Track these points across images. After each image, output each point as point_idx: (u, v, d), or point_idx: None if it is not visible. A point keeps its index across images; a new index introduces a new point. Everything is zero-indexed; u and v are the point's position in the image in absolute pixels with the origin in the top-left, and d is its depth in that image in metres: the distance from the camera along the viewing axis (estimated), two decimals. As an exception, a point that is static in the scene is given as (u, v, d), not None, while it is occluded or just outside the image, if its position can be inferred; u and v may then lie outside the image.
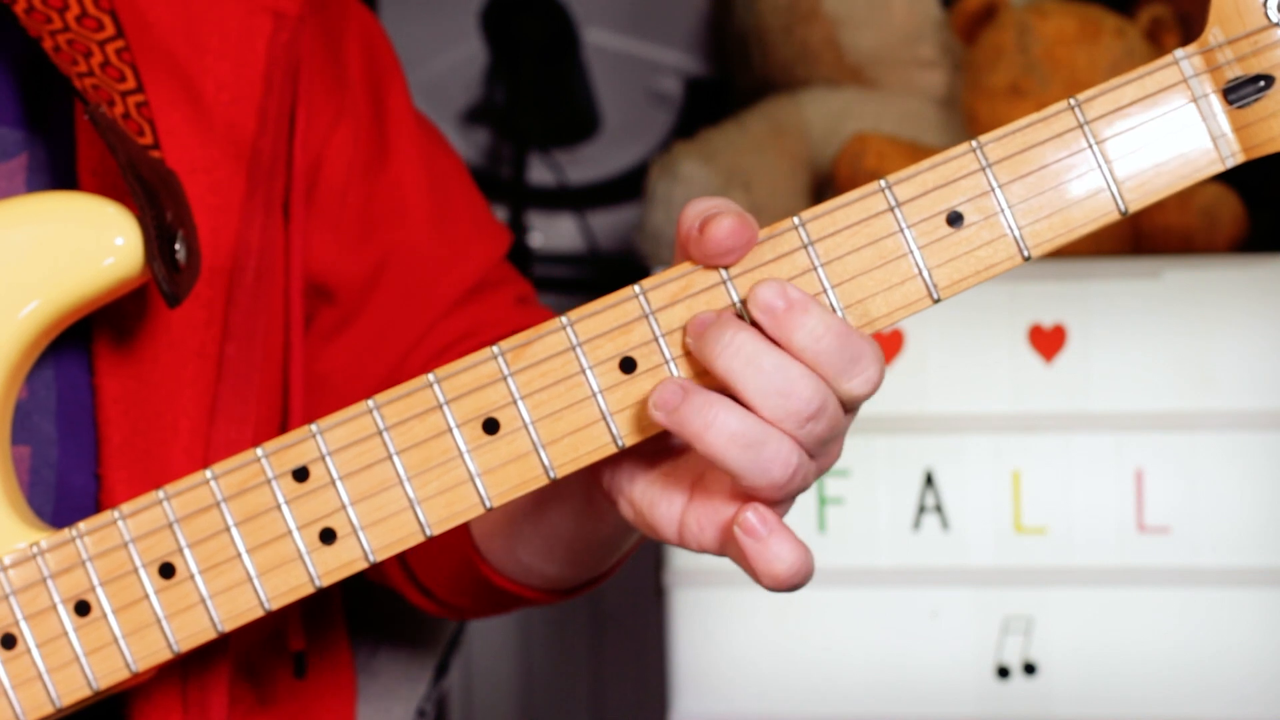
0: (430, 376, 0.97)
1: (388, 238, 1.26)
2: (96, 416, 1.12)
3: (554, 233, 2.98)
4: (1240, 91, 0.93)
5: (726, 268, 0.95)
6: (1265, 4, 0.92)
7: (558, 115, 2.91)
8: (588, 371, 0.96)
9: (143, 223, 1.03)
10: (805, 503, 2.02)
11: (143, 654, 1.01)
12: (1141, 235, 2.22)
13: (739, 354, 0.92)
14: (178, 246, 1.04)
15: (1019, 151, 0.94)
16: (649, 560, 2.09)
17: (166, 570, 1.00)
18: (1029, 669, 2.05)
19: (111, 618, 1.01)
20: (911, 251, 0.95)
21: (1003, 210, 0.94)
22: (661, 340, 0.96)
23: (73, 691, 1.02)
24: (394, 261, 1.26)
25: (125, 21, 1.14)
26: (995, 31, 2.30)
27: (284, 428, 1.20)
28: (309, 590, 1.00)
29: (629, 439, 0.96)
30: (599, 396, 0.96)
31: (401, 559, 1.28)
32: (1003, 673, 2.05)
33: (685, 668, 2.08)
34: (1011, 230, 0.94)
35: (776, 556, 0.95)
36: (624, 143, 2.97)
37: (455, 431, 0.97)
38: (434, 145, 1.31)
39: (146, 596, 1.01)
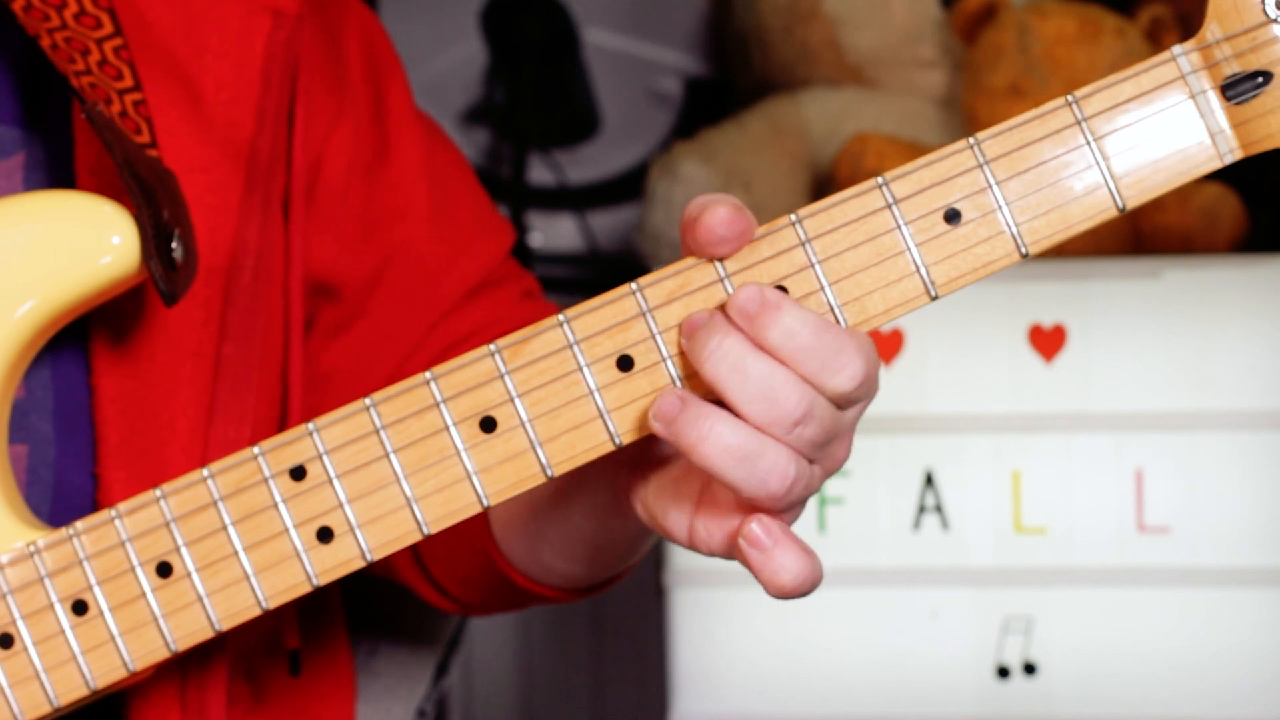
0: (427, 374, 0.97)
1: (390, 236, 1.26)
2: (94, 416, 1.12)
3: (554, 233, 2.98)
4: (1238, 88, 0.93)
5: (722, 259, 0.95)
6: (1263, 0, 0.92)
7: (558, 115, 2.91)
8: (585, 369, 0.96)
9: (139, 221, 1.03)
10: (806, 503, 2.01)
11: (140, 653, 1.01)
12: (1141, 235, 2.22)
13: (724, 359, 0.93)
14: (174, 245, 1.04)
15: (1016, 148, 0.94)
16: (649, 560, 2.09)
17: (164, 569, 1.00)
18: (1029, 669, 2.05)
19: (109, 616, 1.01)
20: (909, 249, 0.95)
21: (1000, 207, 0.94)
22: (659, 338, 0.96)
23: (70, 691, 1.02)
24: (397, 260, 1.26)
25: (124, 20, 1.14)
26: (995, 31, 2.29)
27: (283, 427, 1.20)
28: (306, 589, 1.00)
29: (626, 437, 0.96)
30: (596, 394, 0.96)
31: (416, 556, 1.28)
32: (1003, 673, 2.05)
33: (685, 668, 2.08)
34: (1009, 227, 0.94)
35: (781, 568, 0.95)
36: (624, 143, 2.97)
37: (452, 429, 0.97)
38: (436, 142, 1.31)
39: (144, 595, 1.01)
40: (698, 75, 2.99)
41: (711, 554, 0.99)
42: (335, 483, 0.99)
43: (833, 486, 2.05)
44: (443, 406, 0.97)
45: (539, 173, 2.96)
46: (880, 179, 0.95)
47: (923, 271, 0.95)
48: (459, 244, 1.29)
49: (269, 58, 1.19)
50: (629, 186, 2.91)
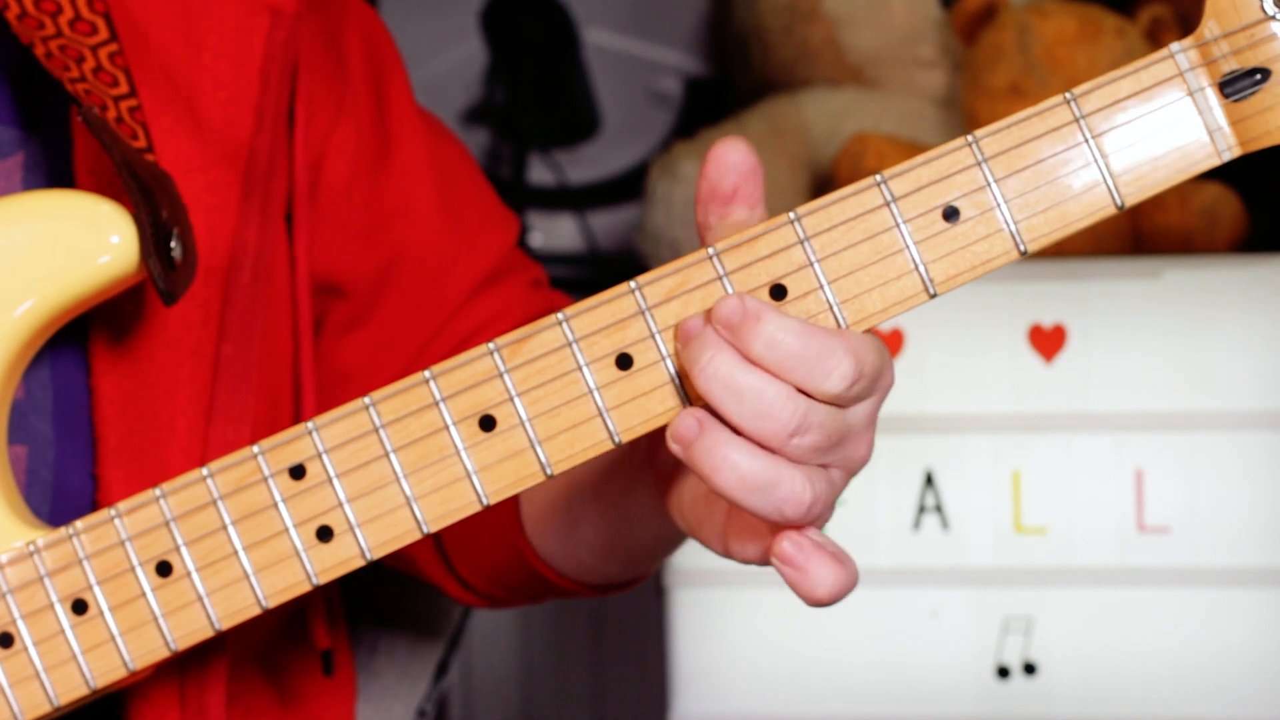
0: (426, 373, 0.97)
1: (396, 233, 1.26)
2: (93, 416, 1.12)
3: (554, 233, 2.98)
4: (1236, 85, 0.93)
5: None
6: (1262, -3, 0.92)
7: (558, 115, 2.91)
8: (584, 368, 0.96)
9: (138, 220, 1.03)
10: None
11: (140, 652, 1.01)
12: (1141, 235, 2.22)
13: (715, 377, 0.93)
14: (173, 244, 1.04)
15: (1015, 146, 0.94)
16: (649, 560, 2.09)
17: (163, 568, 1.00)
18: (1029, 669, 2.05)
19: (108, 616, 1.01)
20: (907, 246, 0.95)
21: (999, 205, 0.94)
22: (657, 336, 0.96)
23: (70, 690, 1.02)
24: (404, 257, 1.26)
25: (119, 24, 1.14)
26: (995, 31, 2.29)
27: None
28: (306, 588, 1.00)
29: (625, 435, 0.96)
30: (595, 393, 0.96)
31: (440, 550, 1.28)
32: (1003, 673, 2.05)
33: (685, 668, 2.08)
34: (1008, 225, 0.94)
35: (818, 583, 0.95)
36: (624, 143, 2.97)
37: (451, 428, 0.97)
38: (438, 137, 1.31)
39: (143, 594, 1.00)
40: (698, 75, 2.99)
41: (748, 563, 1.00)
42: (335, 482, 0.99)
43: (833, 486, 2.04)
44: (442, 405, 0.97)
45: (539, 173, 2.96)
46: (878, 177, 0.95)
47: (921, 269, 0.95)
48: (467, 238, 1.29)
49: (268, 57, 1.19)
50: (629, 186, 2.92)
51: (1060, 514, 2.05)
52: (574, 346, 0.96)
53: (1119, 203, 0.94)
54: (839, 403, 0.94)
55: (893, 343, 2.06)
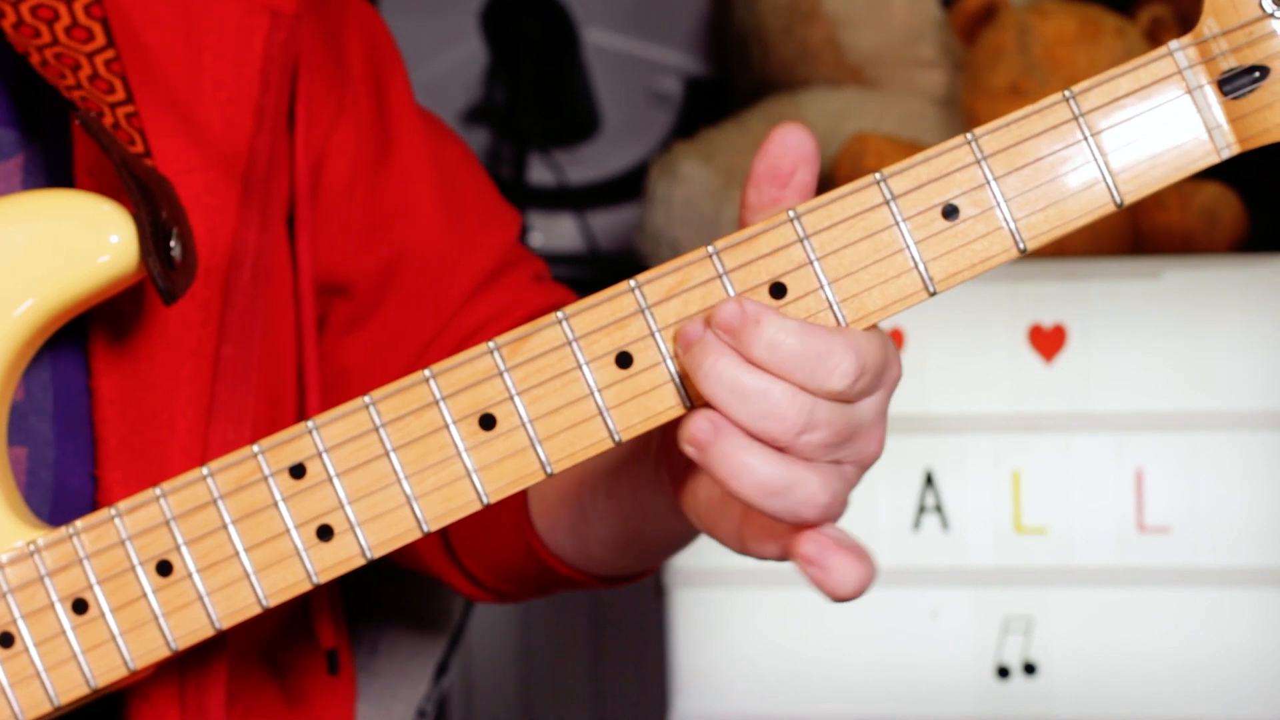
0: (426, 372, 0.97)
1: (398, 233, 1.26)
2: (93, 417, 1.12)
3: (554, 233, 2.98)
4: (1235, 82, 0.93)
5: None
6: (1260, -4, 0.92)
7: (558, 115, 2.91)
8: (584, 367, 0.96)
9: (138, 220, 1.03)
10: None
11: (140, 652, 1.01)
12: (1141, 235, 2.22)
13: (720, 381, 0.93)
14: (173, 244, 1.04)
15: (1014, 144, 0.94)
16: (649, 560, 2.09)
17: (164, 568, 1.00)
18: (1029, 669, 2.05)
19: (109, 615, 1.01)
20: (907, 245, 0.95)
21: (998, 203, 0.94)
22: (657, 335, 0.96)
23: (71, 690, 1.02)
24: (406, 256, 1.27)
25: (116, 29, 1.14)
26: (995, 31, 2.29)
27: None
28: (306, 587, 1.00)
29: (625, 434, 0.96)
30: (596, 393, 0.96)
31: (447, 546, 1.28)
32: (1003, 673, 2.05)
33: (685, 668, 2.08)
34: (1007, 223, 0.94)
35: (841, 581, 0.96)
36: (624, 143, 2.97)
37: (451, 427, 0.97)
38: (438, 135, 1.31)
39: (144, 594, 1.00)
40: (698, 75, 2.99)
41: (765, 559, 1.00)
42: (335, 481, 0.99)
43: (833, 486, 2.04)
44: (442, 404, 0.97)
45: (539, 173, 2.96)
46: (878, 175, 0.95)
47: (921, 267, 0.95)
48: (469, 235, 1.29)
49: (268, 58, 1.19)
50: (629, 186, 2.92)
51: (1060, 514, 2.05)
52: (574, 345, 0.96)
53: (1118, 200, 0.94)
54: (844, 399, 0.94)
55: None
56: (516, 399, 0.97)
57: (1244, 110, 0.93)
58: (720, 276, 0.95)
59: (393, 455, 0.98)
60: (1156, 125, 0.94)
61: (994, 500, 2.05)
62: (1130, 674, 2.03)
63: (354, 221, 1.25)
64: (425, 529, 0.98)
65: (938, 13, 2.48)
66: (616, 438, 0.96)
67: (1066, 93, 0.94)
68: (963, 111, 2.35)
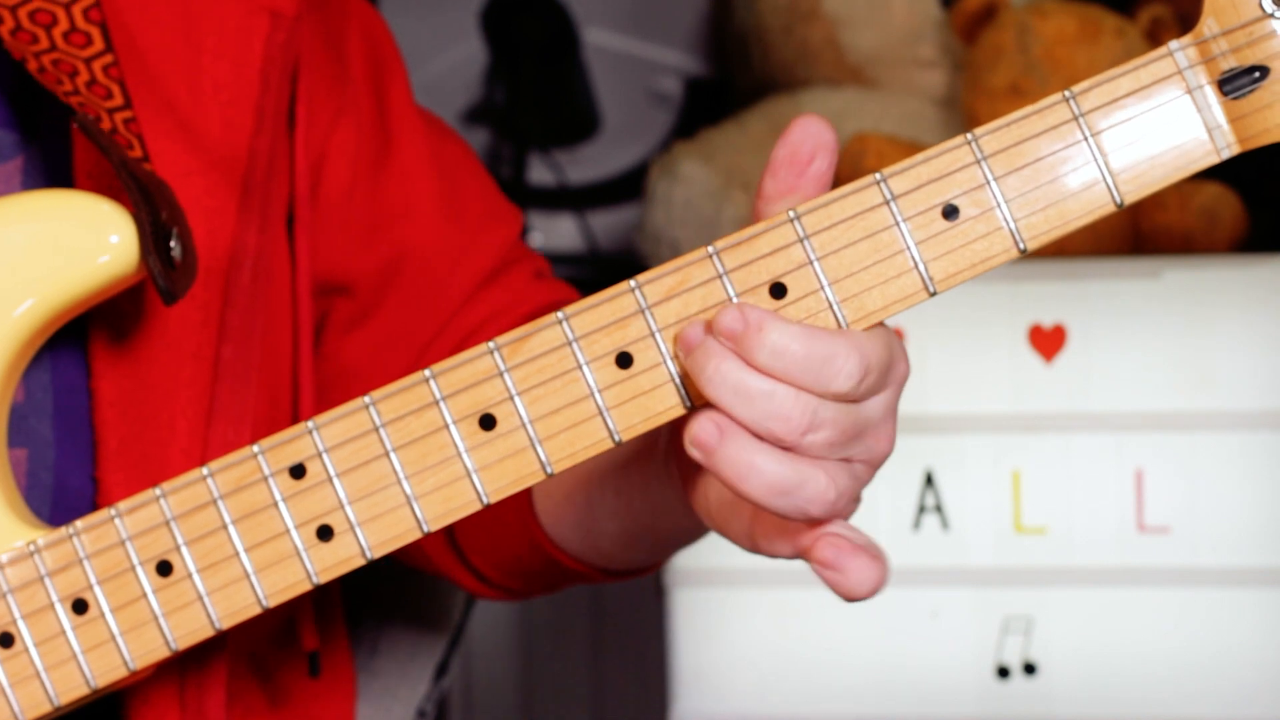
0: (426, 372, 0.97)
1: (398, 233, 1.27)
2: (93, 419, 1.12)
3: (554, 233, 2.98)
4: (1235, 82, 0.93)
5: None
6: (1260, -4, 0.92)
7: (558, 115, 2.91)
8: (584, 367, 0.96)
9: (138, 220, 1.03)
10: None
11: (140, 652, 1.01)
12: (1141, 235, 2.22)
13: (724, 384, 0.93)
14: (173, 244, 1.04)
15: (1014, 144, 0.94)
16: (649, 560, 2.09)
17: (164, 568, 1.00)
18: (1029, 669, 2.05)
19: (109, 616, 1.01)
20: (907, 245, 0.95)
21: (998, 203, 0.94)
22: (657, 335, 0.96)
23: (70, 690, 1.02)
24: (407, 255, 1.27)
25: (114, 34, 1.14)
26: (995, 31, 2.29)
27: None
28: (306, 587, 1.00)
29: (625, 434, 0.96)
30: (596, 393, 0.96)
31: (453, 543, 1.28)
32: (1003, 673, 2.05)
33: (685, 668, 2.08)
34: (1007, 223, 0.94)
35: (858, 583, 0.96)
36: (624, 143, 2.97)
37: (451, 427, 0.97)
38: (439, 135, 1.31)
39: (144, 594, 1.00)
40: (698, 75, 2.99)
41: (777, 557, 1.01)
42: (335, 481, 0.99)
43: (833, 486, 2.04)
44: (442, 404, 0.97)
45: (539, 173, 2.96)
46: (878, 175, 0.95)
47: (921, 268, 0.95)
48: (469, 234, 1.29)
49: (268, 60, 1.19)
50: (629, 186, 2.92)
51: (1060, 514, 2.05)
52: (574, 345, 0.96)
53: (1118, 200, 0.94)
54: (850, 400, 0.94)
55: (893, 343, 2.06)
56: (516, 399, 0.97)
57: (1244, 110, 0.93)
58: (720, 276, 0.95)
59: (393, 455, 0.98)
60: (1156, 125, 0.94)
61: (994, 500, 2.05)
62: (1130, 674, 2.03)
63: (354, 221, 1.25)
64: (425, 529, 0.98)
65: (938, 13, 2.48)
66: (616, 438, 0.96)
67: (1066, 93, 0.94)
68: (963, 111, 2.35)
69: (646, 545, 1.20)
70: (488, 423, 0.97)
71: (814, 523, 0.96)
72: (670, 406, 0.96)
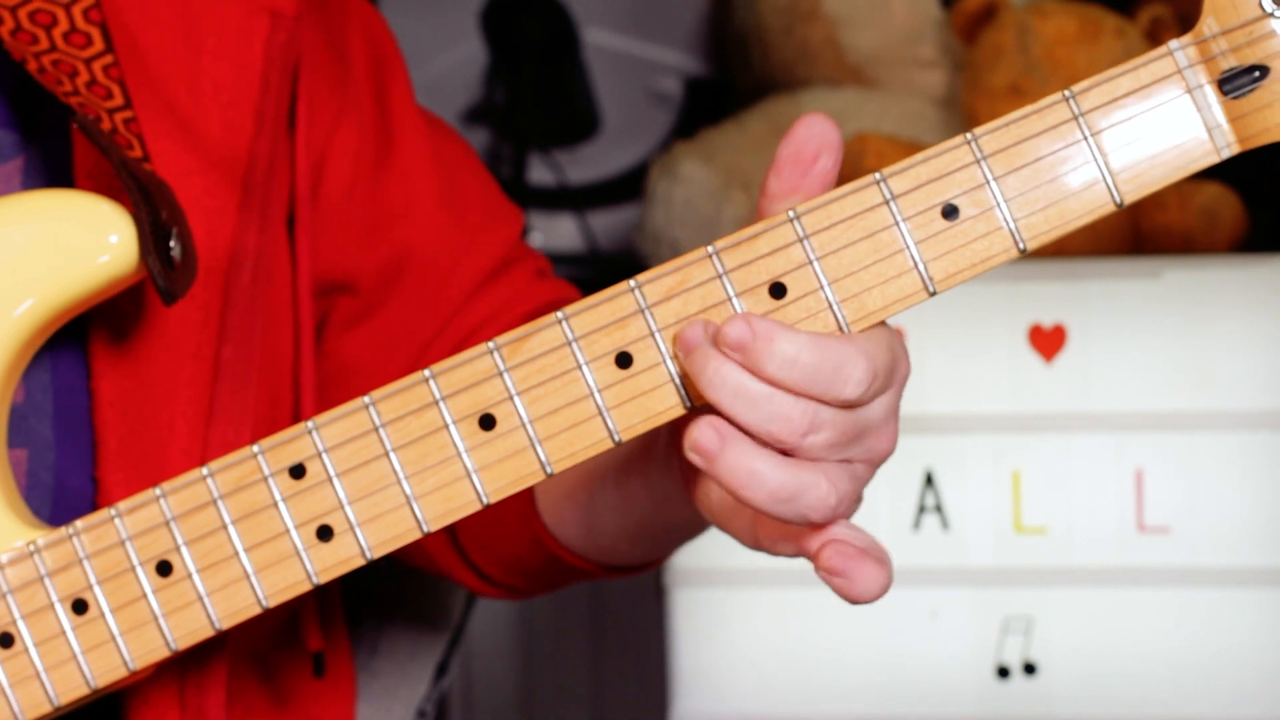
0: (426, 372, 0.97)
1: (400, 232, 1.27)
2: (93, 419, 1.12)
3: (554, 233, 2.98)
4: (1235, 82, 0.93)
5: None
6: (1259, -5, 0.92)
7: (558, 115, 2.91)
8: (584, 367, 0.96)
9: (137, 220, 1.03)
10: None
11: (140, 652, 1.01)
12: (1141, 235, 2.22)
13: (725, 386, 0.93)
14: (172, 244, 1.04)
15: (1014, 144, 0.94)
16: (649, 560, 2.09)
17: (164, 568, 1.00)
18: (1029, 669, 2.05)
19: (109, 616, 1.01)
20: (907, 245, 0.95)
21: (998, 203, 0.94)
22: (657, 335, 0.96)
23: (70, 690, 1.02)
24: (409, 255, 1.27)
25: (115, 34, 1.14)
26: (995, 31, 2.29)
27: None
28: (306, 588, 1.00)
29: (625, 434, 0.96)
30: (596, 393, 0.96)
31: (455, 542, 1.28)
32: (1003, 673, 2.05)
33: (685, 668, 2.08)
34: (1007, 223, 0.94)
35: (864, 589, 0.96)
36: (624, 143, 2.97)
37: (451, 427, 0.97)
38: (439, 134, 1.31)
39: (144, 594, 1.00)
40: (698, 75, 2.99)
41: (778, 554, 1.01)
42: (335, 481, 0.99)
43: (833, 486, 2.04)
44: (442, 404, 0.97)
45: (539, 173, 2.96)
46: (878, 175, 0.95)
47: (921, 267, 0.95)
48: (470, 234, 1.29)
49: (268, 60, 1.19)
50: (629, 186, 2.92)
51: (1060, 514, 2.05)
52: (574, 345, 0.96)
53: (1118, 200, 0.94)
54: (856, 406, 0.94)
55: (893, 343, 2.06)
56: (516, 399, 0.97)
57: (1244, 110, 0.93)
58: (720, 276, 0.95)
59: (392, 455, 0.98)
60: (1156, 125, 0.94)
61: (994, 500, 2.05)
62: (1130, 674, 2.03)
63: (356, 221, 1.25)
64: (425, 529, 0.98)
65: (938, 13, 2.48)
66: (616, 438, 0.96)
67: (1066, 92, 0.94)
68: (963, 111, 2.35)
69: (649, 539, 1.20)
70: (487, 423, 0.97)
71: (815, 527, 0.96)
72: (670, 406, 0.96)
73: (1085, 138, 0.94)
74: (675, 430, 1.04)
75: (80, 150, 1.11)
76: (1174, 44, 0.94)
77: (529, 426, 0.97)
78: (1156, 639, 2.03)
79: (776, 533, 0.99)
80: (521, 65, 2.85)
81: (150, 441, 1.12)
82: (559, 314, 0.96)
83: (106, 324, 1.12)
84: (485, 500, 0.98)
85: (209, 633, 1.01)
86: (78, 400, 1.12)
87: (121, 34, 1.14)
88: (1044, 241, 0.94)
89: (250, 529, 0.99)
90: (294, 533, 0.99)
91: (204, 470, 0.99)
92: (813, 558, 0.97)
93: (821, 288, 0.95)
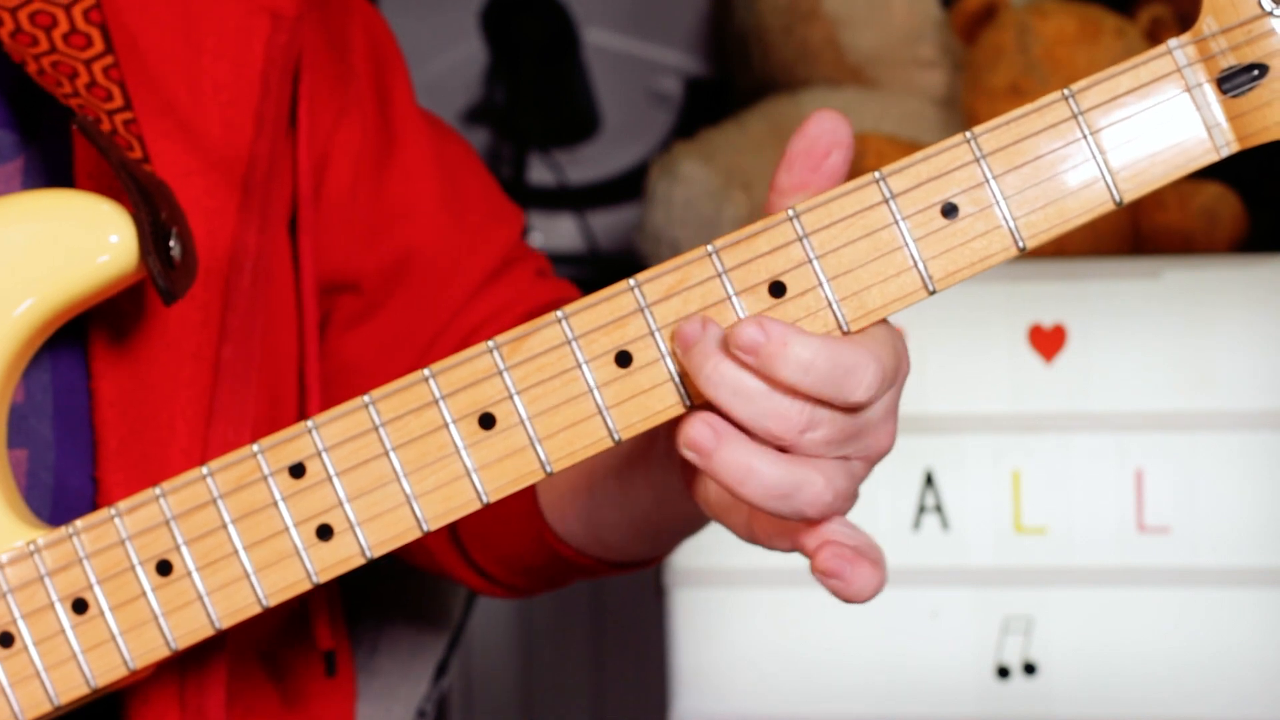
0: (425, 371, 0.97)
1: (402, 232, 1.27)
2: (93, 419, 1.12)
3: (554, 233, 2.98)
4: (1234, 80, 0.93)
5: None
6: (1259, -6, 0.92)
7: (558, 115, 2.91)
8: (583, 366, 0.96)
9: (137, 219, 1.03)
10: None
11: (140, 651, 1.01)
12: (1141, 235, 2.22)
13: (723, 383, 0.93)
14: (172, 244, 1.04)
15: (1013, 142, 0.94)
16: (649, 560, 2.09)
17: (163, 567, 1.00)
18: (1029, 669, 2.05)
19: (109, 615, 1.01)
20: (907, 243, 0.95)
21: (997, 201, 0.94)
22: (657, 334, 0.96)
23: (70, 689, 1.02)
24: (410, 255, 1.27)
25: (115, 35, 1.14)
26: (995, 31, 2.29)
27: None
28: (306, 587, 1.00)
29: (625, 433, 0.96)
30: (595, 392, 0.96)
31: (456, 541, 1.28)
32: (1003, 673, 2.05)
33: (685, 668, 2.08)
34: (1006, 221, 0.94)
35: (860, 589, 0.96)
36: (624, 143, 2.97)
37: (451, 426, 0.97)
38: (441, 134, 1.31)
39: (144, 594, 1.00)
40: (698, 75, 2.99)
41: (775, 550, 1.01)
42: (334, 480, 0.99)
43: (833, 486, 2.04)
44: (441, 403, 0.97)
45: (539, 173, 2.96)
46: (877, 174, 0.95)
47: (920, 266, 0.95)
48: (471, 234, 1.29)
49: (268, 61, 1.19)
50: (629, 186, 2.92)
51: (1060, 514, 2.05)
52: (573, 344, 0.96)
53: (1117, 199, 0.94)
54: (861, 408, 0.94)
55: (893, 342, 2.06)
56: (516, 398, 0.97)
57: (1243, 108, 0.93)
58: (719, 275, 0.95)
59: (392, 454, 0.98)
60: (1156, 123, 0.94)
61: (994, 500, 2.05)
62: (1130, 674, 2.03)
63: (357, 221, 1.25)
64: (425, 528, 0.98)
65: (938, 13, 2.48)
66: (616, 436, 0.96)
67: (1065, 91, 0.94)
68: (963, 111, 2.35)
69: (651, 534, 1.20)
70: (487, 421, 0.97)
71: (810, 523, 0.96)
72: (669, 405, 0.96)
73: (1084, 136, 0.94)
74: (676, 425, 1.05)
75: (80, 151, 1.11)
76: (1173, 43, 0.94)
77: (528, 425, 0.97)
78: (1156, 639, 2.03)
79: (773, 528, 0.99)
80: (521, 65, 2.85)
81: (150, 441, 1.12)
82: (558, 313, 0.96)
83: (106, 324, 1.12)
84: (485, 499, 0.98)
85: (209, 632, 1.01)
86: (78, 400, 1.12)
87: (121, 34, 1.14)
88: (1043, 240, 0.94)
89: (250, 528, 0.99)
90: (294, 532, 0.99)
91: (204, 469, 0.99)
92: (809, 558, 0.97)
93: (821, 286, 0.95)
